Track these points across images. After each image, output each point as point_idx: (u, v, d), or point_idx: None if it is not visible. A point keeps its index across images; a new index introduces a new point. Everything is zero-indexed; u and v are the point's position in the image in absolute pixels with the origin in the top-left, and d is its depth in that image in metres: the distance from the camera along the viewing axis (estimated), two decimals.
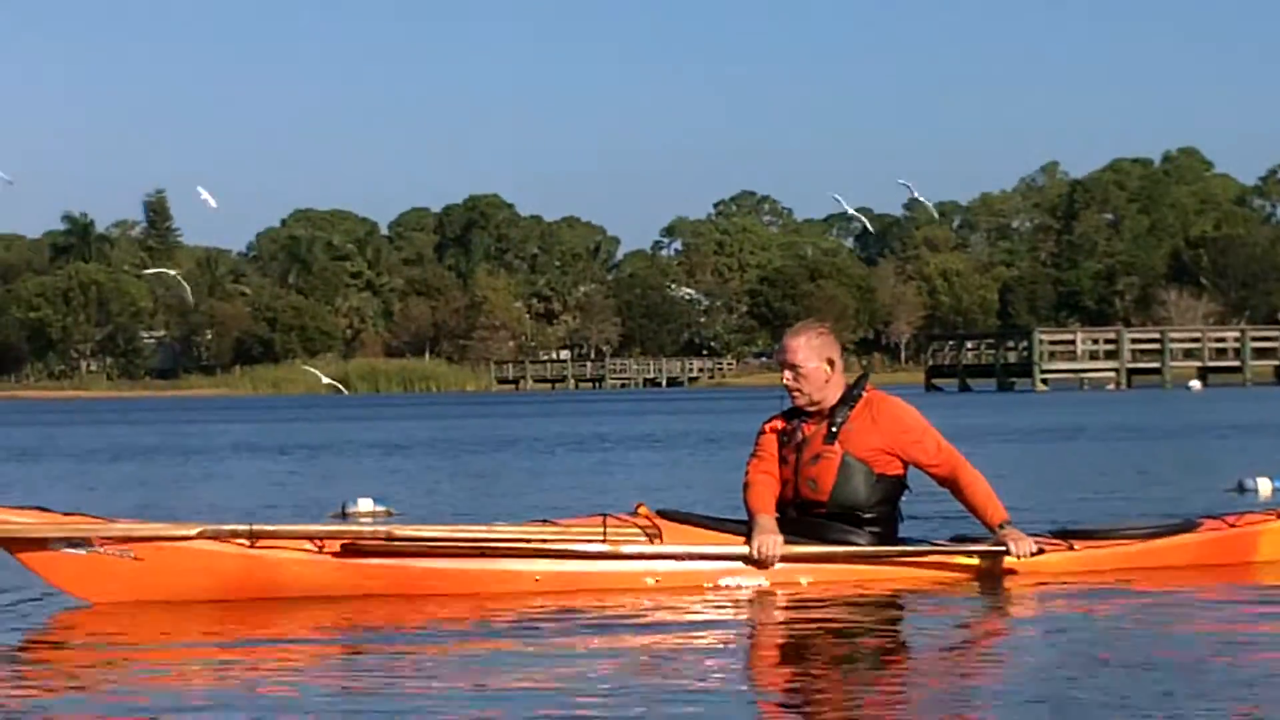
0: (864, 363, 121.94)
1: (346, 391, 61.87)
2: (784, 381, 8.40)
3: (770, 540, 8.19)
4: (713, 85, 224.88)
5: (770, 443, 8.45)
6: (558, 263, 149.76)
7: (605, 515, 8.40)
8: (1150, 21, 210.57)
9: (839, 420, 8.31)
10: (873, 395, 8.42)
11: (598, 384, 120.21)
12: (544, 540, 8.24)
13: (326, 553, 8.12)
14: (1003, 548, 8.36)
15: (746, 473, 8.43)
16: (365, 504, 13.32)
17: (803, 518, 8.34)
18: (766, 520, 8.24)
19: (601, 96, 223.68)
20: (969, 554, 8.45)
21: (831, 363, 8.41)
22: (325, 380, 54.98)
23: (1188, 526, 8.92)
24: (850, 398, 8.38)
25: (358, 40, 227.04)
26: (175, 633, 7.36)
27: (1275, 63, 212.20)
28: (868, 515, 8.30)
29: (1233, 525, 8.93)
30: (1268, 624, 7.20)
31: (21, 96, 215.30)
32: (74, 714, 5.69)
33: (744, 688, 6.03)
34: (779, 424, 8.49)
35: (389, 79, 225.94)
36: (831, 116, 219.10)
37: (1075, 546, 8.65)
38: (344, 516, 13.01)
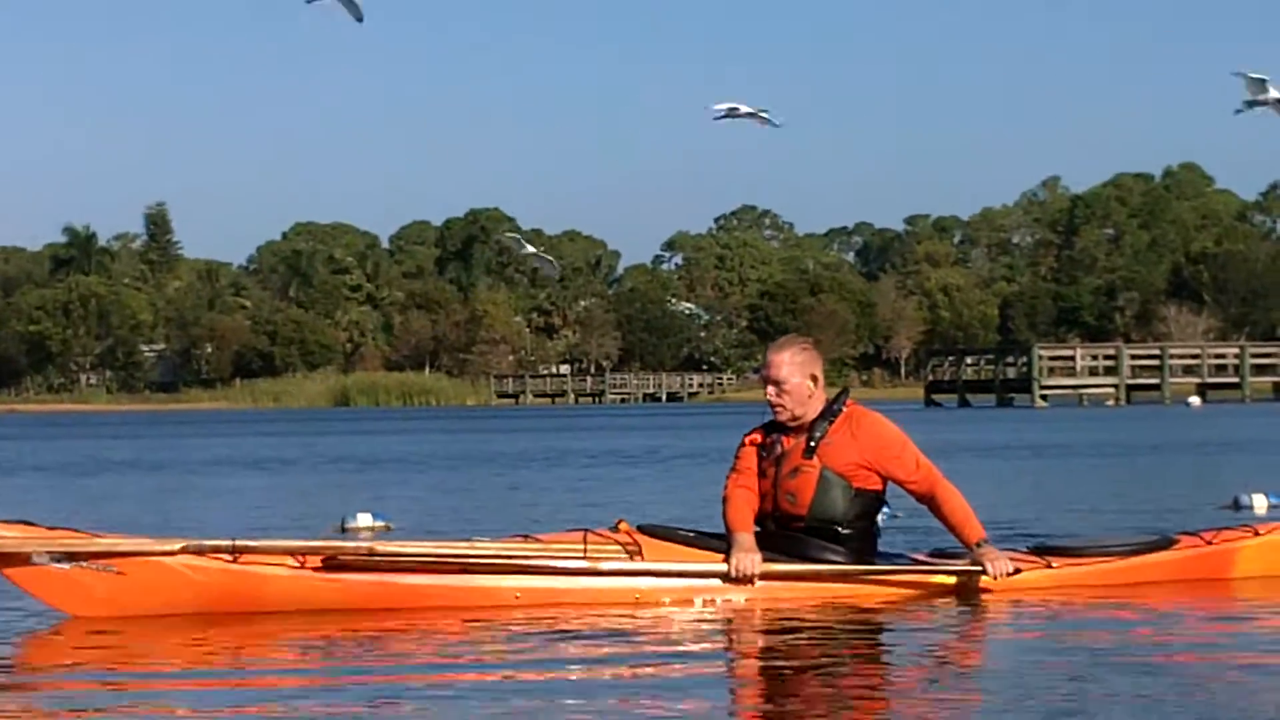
0: (863, 378, 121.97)
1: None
2: (767, 397, 8.42)
3: (748, 559, 8.21)
4: (714, 99, 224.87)
5: (749, 456, 8.47)
6: (558, 277, 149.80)
7: (586, 531, 8.43)
8: (1152, 36, 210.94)
9: (818, 435, 8.34)
10: (853, 410, 8.44)
11: (597, 399, 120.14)
12: (525, 557, 8.24)
13: (309, 568, 8.14)
14: (979, 567, 8.38)
15: (725, 487, 8.47)
16: (364, 519, 13.35)
17: (781, 531, 8.37)
18: (745, 538, 8.26)
19: (603, 110, 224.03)
20: (945, 573, 8.46)
21: (814, 379, 8.45)
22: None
23: (1165, 543, 8.93)
24: (830, 412, 8.41)
25: (359, 53, 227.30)
26: (157, 644, 7.35)
27: (1277, 79, 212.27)
28: (845, 530, 8.32)
29: (1210, 542, 8.95)
30: (1242, 639, 7.20)
31: (22, 108, 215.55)
32: None
33: (722, 705, 6.01)
34: (758, 437, 8.52)
35: (390, 92, 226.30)
36: (832, 131, 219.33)
37: (1053, 564, 8.66)
38: (343, 531, 13.05)
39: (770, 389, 8.42)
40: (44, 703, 6.20)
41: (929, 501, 8.45)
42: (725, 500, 8.41)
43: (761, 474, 8.41)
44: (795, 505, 8.30)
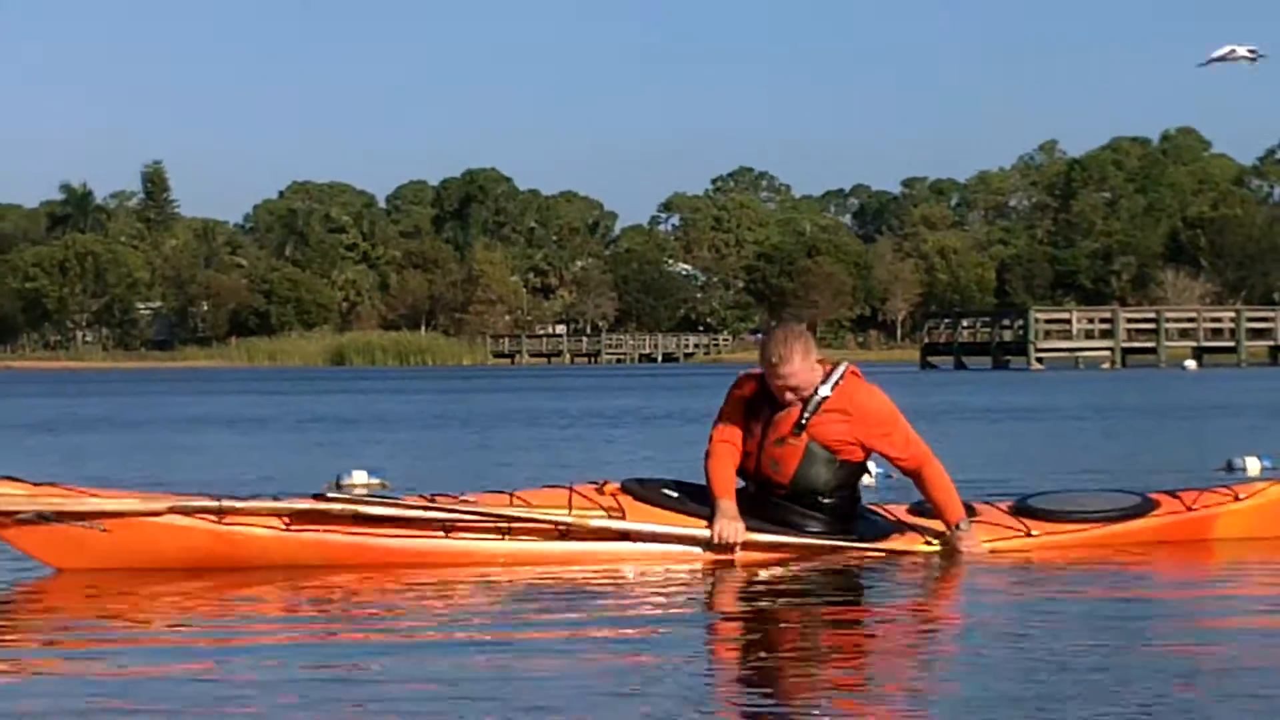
0: (859, 340, 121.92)
1: None
2: (786, 399, 8.26)
3: (731, 527, 8.24)
4: (711, 62, 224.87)
5: (737, 409, 8.43)
6: (555, 237, 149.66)
7: (571, 490, 8.43)
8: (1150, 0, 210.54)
9: (810, 409, 8.26)
10: (847, 385, 8.33)
11: (593, 359, 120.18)
12: (510, 517, 8.26)
13: (293, 529, 8.16)
14: (956, 549, 8.43)
15: (710, 438, 8.43)
16: (360, 476, 13.36)
17: (761, 494, 8.37)
18: (728, 505, 8.27)
19: (600, 72, 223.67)
20: (923, 553, 8.49)
21: (819, 361, 8.36)
22: None
23: (1145, 507, 8.93)
24: (827, 385, 8.30)
25: (356, 12, 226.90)
26: (143, 597, 7.40)
27: (1274, 44, 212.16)
28: (827, 499, 8.35)
29: (1191, 508, 8.97)
30: (1217, 606, 7.27)
31: (20, 66, 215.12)
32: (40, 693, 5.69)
33: (702, 669, 6.02)
34: (748, 391, 8.45)
35: (387, 51, 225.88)
36: (829, 94, 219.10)
37: (1034, 532, 8.69)
38: (339, 488, 13.04)
39: (789, 395, 8.24)
40: (30, 654, 6.23)
41: (915, 478, 8.48)
42: (708, 456, 8.38)
43: (748, 433, 8.37)
44: (778, 473, 8.29)
